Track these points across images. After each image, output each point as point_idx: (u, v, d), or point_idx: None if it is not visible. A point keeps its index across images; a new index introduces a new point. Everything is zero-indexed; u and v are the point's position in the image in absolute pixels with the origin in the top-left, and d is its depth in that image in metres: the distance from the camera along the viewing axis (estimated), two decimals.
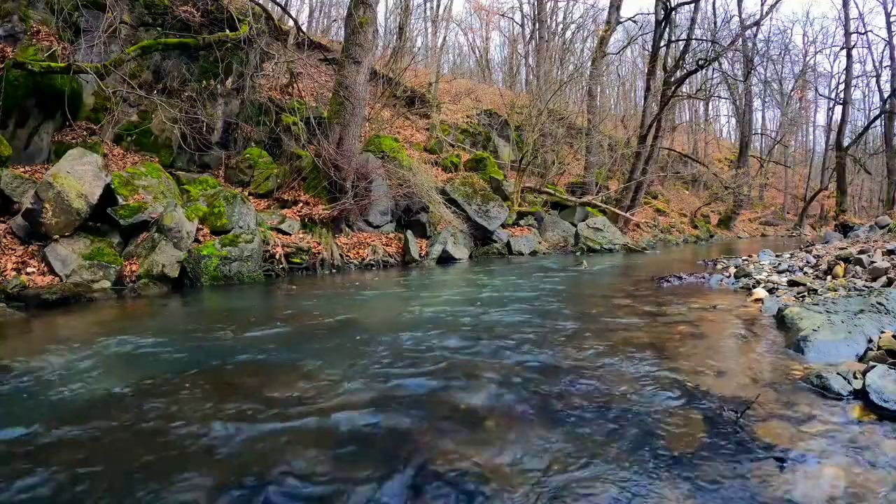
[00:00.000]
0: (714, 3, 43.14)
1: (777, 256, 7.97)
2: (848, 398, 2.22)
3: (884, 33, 32.74)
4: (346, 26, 9.47)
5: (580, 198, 14.61)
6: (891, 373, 2.21)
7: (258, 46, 9.11)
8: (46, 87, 6.79)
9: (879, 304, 3.25)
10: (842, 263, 5.39)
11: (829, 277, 5.08)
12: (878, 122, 24.04)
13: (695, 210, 22.10)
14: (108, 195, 5.87)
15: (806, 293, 4.41)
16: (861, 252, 5.79)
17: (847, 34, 23.80)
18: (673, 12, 16.50)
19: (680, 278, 6.27)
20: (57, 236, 5.37)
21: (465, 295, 5.63)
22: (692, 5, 17.08)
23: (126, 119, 8.10)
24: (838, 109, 25.22)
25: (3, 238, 5.39)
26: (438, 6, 21.18)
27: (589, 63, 18.48)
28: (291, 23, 12.29)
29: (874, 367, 2.30)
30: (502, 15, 26.80)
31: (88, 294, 5.06)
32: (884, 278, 4.42)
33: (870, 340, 2.85)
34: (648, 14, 17.60)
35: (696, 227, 20.60)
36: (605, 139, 19.70)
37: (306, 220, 8.26)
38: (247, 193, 8.34)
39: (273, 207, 8.51)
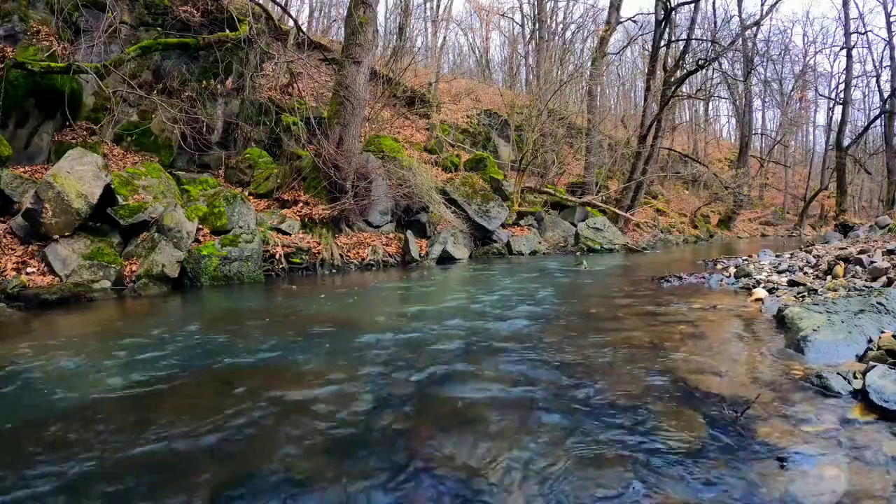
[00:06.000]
0: (714, 3, 43.08)
1: (777, 256, 7.97)
2: (848, 398, 2.22)
3: (884, 33, 32.71)
4: (346, 26, 9.47)
5: (580, 198, 14.60)
6: (891, 373, 2.21)
7: (258, 46, 9.11)
8: (46, 87, 6.79)
9: (879, 304, 3.24)
10: (842, 263, 5.39)
11: (829, 277, 5.08)
12: (878, 122, 24.04)
13: (695, 210, 22.08)
14: (108, 195, 5.86)
15: (806, 293, 4.41)
16: (861, 252, 5.79)
17: (847, 34, 23.78)
18: (673, 12, 16.49)
19: (680, 278, 6.27)
20: (57, 236, 5.37)
21: (464, 295, 5.63)
22: (692, 5, 17.08)
23: (126, 119, 8.10)
24: (838, 109, 25.21)
25: (3, 238, 5.39)
26: (438, 6, 21.20)
27: (589, 63, 18.47)
28: (291, 23, 12.29)
29: (874, 366, 2.30)
30: (502, 15, 26.81)
31: (88, 294, 5.06)
32: (884, 278, 4.42)
33: (870, 340, 2.85)
34: (648, 14, 17.59)
35: (696, 227, 20.60)
36: (605, 139, 19.69)
37: (306, 220, 8.26)
38: (247, 193, 8.35)
39: (273, 207, 8.51)
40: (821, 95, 33.45)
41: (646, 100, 16.89)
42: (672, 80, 15.65)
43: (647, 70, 17.63)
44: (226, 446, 1.93)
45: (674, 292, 5.42)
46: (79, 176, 5.57)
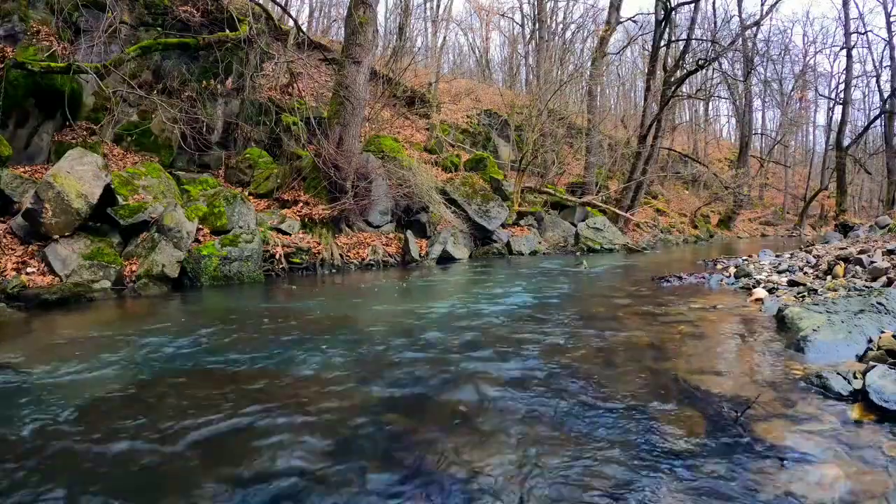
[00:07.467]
0: (714, 3, 42.99)
1: (777, 256, 7.97)
2: (848, 398, 2.22)
3: (884, 33, 32.67)
4: (346, 26, 9.47)
5: (580, 198, 14.60)
6: (891, 373, 2.21)
7: (258, 46, 9.11)
8: (46, 87, 6.79)
9: (879, 304, 3.24)
10: (842, 263, 5.39)
11: (829, 277, 5.08)
12: (878, 122, 24.04)
13: (695, 210, 22.07)
14: (108, 195, 5.86)
15: (806, 293, 4.41)
16: (861, 252, 5.79)
17: (847, 34, 23.78)
18: (673, 12, 16.49)
19: (680, 278, 6.27)
20: (57, 236, 5.37)
21: (464, 295, 5.63)
22: (692, 5, 17.07)
23: (126, 119, 8.10)
24: (838, 109, 25.20)
25: (3, 238, 5.39)
26: (438, 6, 21.19)
27: (589, 63, 18.47)
28: (291, 23, 12.29)
29: (874, 366, 2.30)
30: (502, 15, 26.79)
31: (88, 294, 5.06)
32: (884, 278, 4.42)
33: (870, 340, 2.85)
34: (648, 14, 17.58)
35: (696, 227, 20.59)
36: (605, 139, 19.68)
37: (306, 220, 8.25)
38: (247, 193, 8.34)
39: (273, 207, 8.51)
40: (821, 95, 33.47)
41: (646, 100, 16.88)
42: (672, 80, 15.64)
43: (647, 70, 17.62)
44: (227, 446, 1.93)
45: (674, 292, 5.42)
46: (79, 176, 5.57)
